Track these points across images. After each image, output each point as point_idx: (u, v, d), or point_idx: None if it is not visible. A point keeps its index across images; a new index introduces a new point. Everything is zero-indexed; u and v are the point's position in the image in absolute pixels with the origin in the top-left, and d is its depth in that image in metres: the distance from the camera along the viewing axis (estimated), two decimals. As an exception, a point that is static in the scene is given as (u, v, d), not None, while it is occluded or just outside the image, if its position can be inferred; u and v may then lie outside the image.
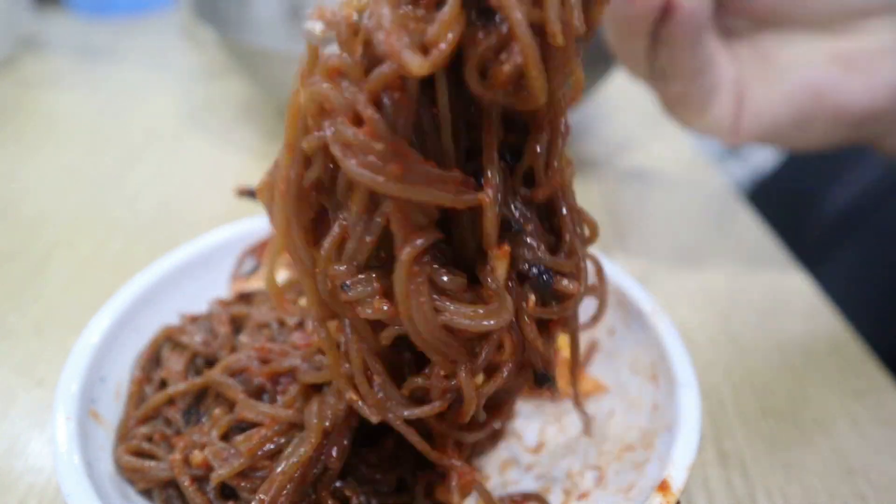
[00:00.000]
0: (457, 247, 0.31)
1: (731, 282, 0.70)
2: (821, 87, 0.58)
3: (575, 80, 0.31)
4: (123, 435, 0.42)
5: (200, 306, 0.52)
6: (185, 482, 0.39)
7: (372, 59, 0.27)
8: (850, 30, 0.59)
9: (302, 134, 0.30)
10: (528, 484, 0.46)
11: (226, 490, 0.39)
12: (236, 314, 0.49)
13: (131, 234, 0.74)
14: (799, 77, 0.59)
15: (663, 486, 0.36)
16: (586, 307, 0.37)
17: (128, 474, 0.40)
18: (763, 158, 2.03)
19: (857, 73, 0.58)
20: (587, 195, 0.85)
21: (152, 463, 0.40)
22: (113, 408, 0.44)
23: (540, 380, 0.35)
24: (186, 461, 0.39)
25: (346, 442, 0.39)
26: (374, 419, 0.34)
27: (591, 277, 0.37)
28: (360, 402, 0.34)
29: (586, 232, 0.35)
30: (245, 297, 0.52)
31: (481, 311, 0.30)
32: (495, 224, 0.30)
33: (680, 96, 0.61)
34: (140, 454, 0.41)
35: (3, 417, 0.51)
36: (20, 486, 0.46)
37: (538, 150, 0.31)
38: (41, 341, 0.58)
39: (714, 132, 0.62)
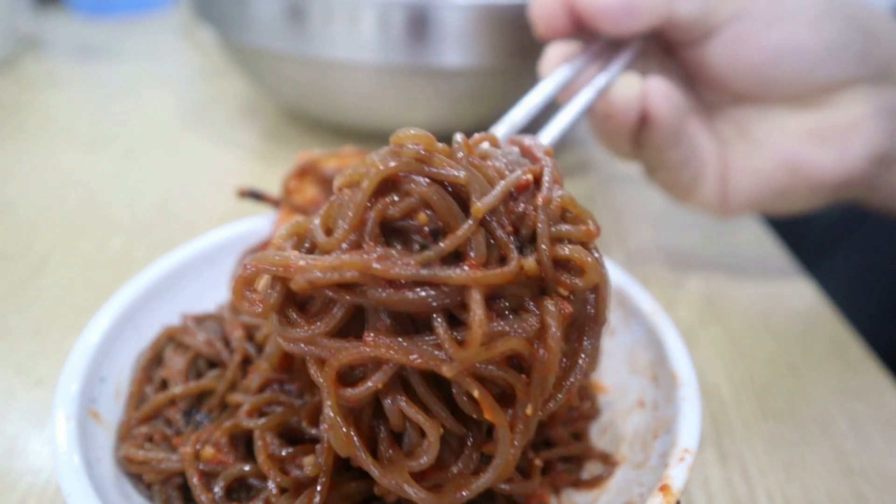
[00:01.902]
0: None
1: (731, 282, 0.70)
2: (795, 161, 0.60)
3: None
4: (124, 435, 0.42)
5: (201, 306, 0.52)
6: (194, 477, 0.39)
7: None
8: (822, 103, 0.61)
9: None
10: (528, 484, 0.46)
11: (232, 490, 0.39)
12: (249, 323, 0.49)
13: (131, 234, 0.74)
14: (775, 152, 0.61)
15: (663, 487, 0.36)
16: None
17: (135, 467, 0.40)
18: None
19: (829, 146, 0.60)
20: (588, 195, 0.85)
21: (161, 455, 0.40)
22: (113, 408, 0.44)
23: None
24: (197, 456, 0.39)
25: None
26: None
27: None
28: None
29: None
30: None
31: None
32: None
33: (668, 184, 0.65)
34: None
35: (2, 417, 0.51)
36: (20, 486, 0.46)
37: None
38: (41, 341, 0.58)
39: (704, 209, 0.66)
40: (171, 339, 0.48)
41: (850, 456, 0.51)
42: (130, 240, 0.72)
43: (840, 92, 0.60)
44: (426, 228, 0.30)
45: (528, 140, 0.38)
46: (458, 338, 0.29)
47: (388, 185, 0.31)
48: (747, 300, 0.67)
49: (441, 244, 0.29)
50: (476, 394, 0.30)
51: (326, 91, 0.86)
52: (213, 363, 0.47)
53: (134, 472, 0.40)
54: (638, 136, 0.61)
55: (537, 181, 0.33)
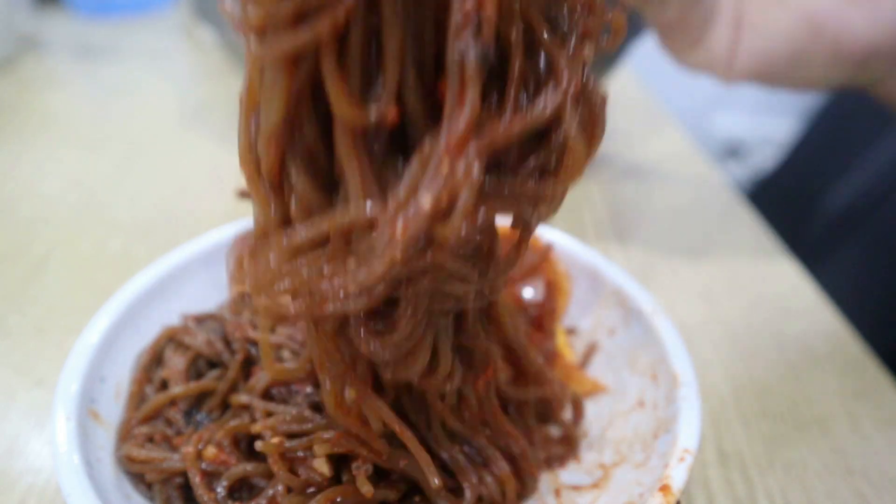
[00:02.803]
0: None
1: (732, 281, 0.70)
2: (821, 19, 0.56)
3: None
4: (125, 435, 0.42)
5: (201, 306, 0.52)
6: (196, 477, 0.38)
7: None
8: None
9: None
10: (528, 484, 0.46)
11: (234, 490, 0.39)
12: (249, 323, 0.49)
13: (131, 234, 0.73)
14: (799, 6, 0.57)
15: (663, 487, 0.36)
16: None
17: (136, 466, 0.40)
18: (763, 158, 2.03)
19: (859, 6, 0.56)
20: (587, 194, 0.85)
21: (163, 454, 0.40)
22: (113, 408, 0.44)
23: None
24: (199, 455, 0.39)
25: None
26: None
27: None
28: None
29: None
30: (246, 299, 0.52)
31: None
32: None
33: (676, 23, 0.58)
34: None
35: (2, 417, 0.51)
36: (20, 486, 0.46)
37: None
38: (41, 341, 0.58)
39: (708, 66, 0.60)
40: (171, 339, 0.48)
41: (850, 456, 0.51)
42: (130, 240, 0.72)
43: None
44: None
45: None
46: None
47: None
48: (747, 300, 0.67)
49: None
50: None
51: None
52: (213, 363, 0.47)
53: (135, 471, 0.40)
54: None
55: None
